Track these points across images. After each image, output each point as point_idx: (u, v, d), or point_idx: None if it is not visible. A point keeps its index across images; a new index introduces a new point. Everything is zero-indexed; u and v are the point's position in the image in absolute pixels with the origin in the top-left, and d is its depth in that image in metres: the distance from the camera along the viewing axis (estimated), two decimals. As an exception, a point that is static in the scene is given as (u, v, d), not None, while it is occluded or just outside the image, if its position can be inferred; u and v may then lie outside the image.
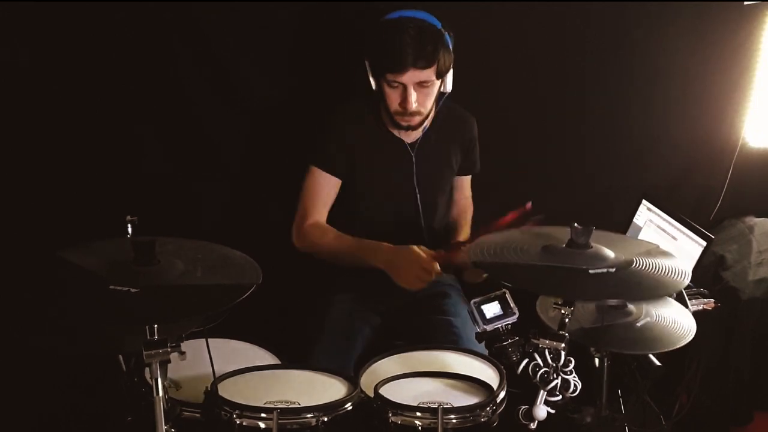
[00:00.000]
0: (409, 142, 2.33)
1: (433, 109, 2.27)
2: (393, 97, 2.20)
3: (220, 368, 1.75)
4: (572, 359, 1.72)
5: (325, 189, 2.32)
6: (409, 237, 2.28)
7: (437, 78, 2.19)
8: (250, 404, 1.65)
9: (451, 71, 2.24)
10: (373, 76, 2.22)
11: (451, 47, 2.21)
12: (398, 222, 2.35)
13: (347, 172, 2.32)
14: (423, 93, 2.19)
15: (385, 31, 2.17)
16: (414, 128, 2.26)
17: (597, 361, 1.86)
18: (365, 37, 2.22)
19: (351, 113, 2.33)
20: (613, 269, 1.68)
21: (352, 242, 2.26)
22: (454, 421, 1.68)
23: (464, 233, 2.48)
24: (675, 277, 1.69)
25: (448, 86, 2.26)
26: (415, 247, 2.15)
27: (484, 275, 2.19)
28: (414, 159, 2.33)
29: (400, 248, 2.17)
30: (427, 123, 2.31)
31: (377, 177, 2.33)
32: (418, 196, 2.35)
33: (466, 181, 2.55)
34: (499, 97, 2.65)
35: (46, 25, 2.31)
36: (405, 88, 2.17)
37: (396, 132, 2.31)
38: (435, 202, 2.41)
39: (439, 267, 2.13)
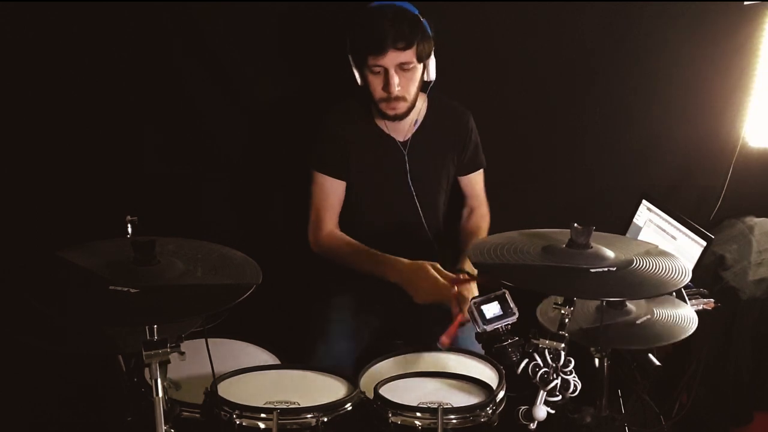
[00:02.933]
0: (401, 140, 2.33)
1: (419, 97, 2.28)
2: (376, 84, 2.21)
3: (220, 368, 1.75)
4: (572, 359, 1.72)
5: (333, 193, 2.33)
6: (412, 237, 2.28)
7: (418, 61, 2.20)
8: (250, 404, 1.65)
9: (434, 59, 2.25)
10: (357, 68, 2.24)
11: (430, 34, 2.22)
12: (399, 222, 2.35)
13: (348, 173, 2.32)
14: (405, 77, 2.20)
15: (363, 17, 2.19)
16: (401, 117, 2.26)
17: (597, 361, 1.86)
18: (347, 30, 2.24)
19: (344, 114, 2.34)
20: (614, 268, 1.68)
21: (368, 255, 2.26)
22: (454, 421, 1.68)
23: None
24: (675, 275, 1.69)
25: (432, 74, 2.27)
26: (429, 266, 2.14)
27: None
28: (406, 158, 2.33)
29: (415, 264, 2.17)
30: (419, 118, 2.32)
31: (372, 177, 2.34)
32: (415, 195, 2.34)
33: (475, 179, 2.51)
34: (499, 96, 2.65)
35: (47, 25, 2.31)
36: (387, 71, 2.18)
37: (387, 129, 2.31)
38: (434, 201, 2.40)
39: (455, 290, 2.10)
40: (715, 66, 2.76)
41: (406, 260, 2.20)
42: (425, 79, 2.27)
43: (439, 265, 2.16)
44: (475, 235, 2.46)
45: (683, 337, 1.88)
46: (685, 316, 1.97)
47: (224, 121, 2.54)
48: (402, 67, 2.18)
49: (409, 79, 2.21)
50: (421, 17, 2.20)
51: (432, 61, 2.26)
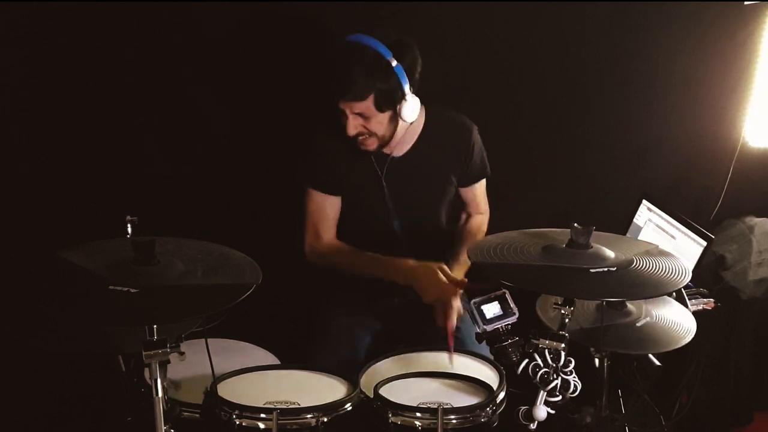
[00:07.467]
0: (395, 156, 2.26)
1: (395, 132, 2.17)
2: (343, 120, 2.13)
3: (220, 368, 1.75)
4: (572, 359, 1.73)
5: (329, 208, 2.28)
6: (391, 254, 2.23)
7: (379, 111, 2.09)
8: (249, 404, 1.65)
9: (413, 100, 2.10)
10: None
11: (404, 77, 2.07)
12: (381, 242, 2.26)
13: (343, 189, 2.27)
14: (370, 120, 2.10)
15: (329, 55, 2.12)
16: (374, 151, 2.19)
17: (597, 361, 1.86)
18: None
19: (334, 130, 2.22)
20: (614, 268, 1.68)
21: (372, 260, 2.21)
22: (454, 421, 1.68)
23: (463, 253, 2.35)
24: (675, 275, 1.69)
25: (408, 117, 2.11)
26: (436, 268, 2.11)
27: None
28: (384, 180, 2.25)
29: (422, 266, 2.13)
30: (415, 133, 2.25)
31: (359, 195, 2.27)
32: (395, 211, 2.28)
33: (478, 190, 2.43)
34: (499, 96, 2.65)
35: (47, 24, 2.31)
36: (346, 113, 2.11)
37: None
38: (430, 214, 2.34)
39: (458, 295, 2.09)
40: (715, 66, 2.76)
41: (412, 262, 2.15)
42: (402, 121, 2.13)
43: (445, 267, 2.13)
44: (469, 242, 2.40)
45: (682, 343, 1.88)
46: (684, 320, 1.97)
47: (224, 120, 2.53)
48: (361, 115, 2.09)
49: (376, 122, 2.11)
50: (392, 61, 2.05)
51: (408, 105, 2.09)
